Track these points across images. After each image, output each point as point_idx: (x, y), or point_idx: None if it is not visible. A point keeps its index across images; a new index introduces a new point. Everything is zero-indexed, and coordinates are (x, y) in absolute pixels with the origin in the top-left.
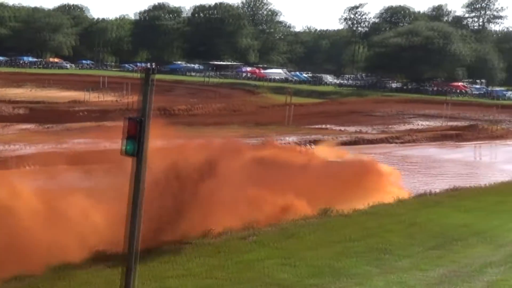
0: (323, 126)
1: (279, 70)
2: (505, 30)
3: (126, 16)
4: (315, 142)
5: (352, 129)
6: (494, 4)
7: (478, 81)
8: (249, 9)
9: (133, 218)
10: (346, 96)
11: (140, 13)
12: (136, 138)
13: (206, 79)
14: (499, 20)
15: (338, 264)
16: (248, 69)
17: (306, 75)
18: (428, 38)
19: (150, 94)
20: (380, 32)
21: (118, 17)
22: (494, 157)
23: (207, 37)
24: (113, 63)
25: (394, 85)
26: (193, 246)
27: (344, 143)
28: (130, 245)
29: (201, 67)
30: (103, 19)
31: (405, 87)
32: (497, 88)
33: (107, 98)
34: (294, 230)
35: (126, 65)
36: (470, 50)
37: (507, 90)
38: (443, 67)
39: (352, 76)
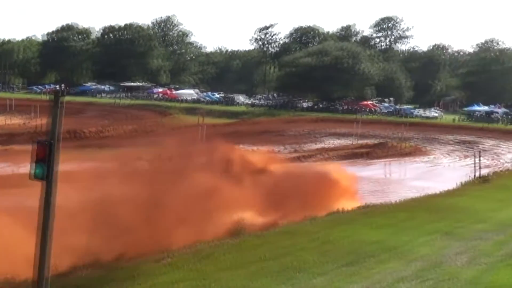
0: (236, 146)
1: (191, 91)
2: (411, 49)
3: (33, 37)
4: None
5: (264, 148)
6: (400, 25)
7: (386, 99)
8: (160, 30)
9: (43, 243)
10: (258, 116)
11: (48, 34)
12: (45, 161)
13: (117, 100)
14: (405, 40)
15: (253, 284)
16: (160, 90)
17: (218, 96)
18: (337, 58)
19: (60, 116)
20: (291, 52)
21: (25, 38)
22: (404, 174)
23: (117, 58)
24: (20, 85)
25: (305, 104)
26: (106, 270)
27: None
28: (40, 271)
29: (112, 88)
30: (9, 40)
31: (316, 106)
32: (405, 106)
33: (14, 121)
34: (209, 251)
35: (34, 87)
36: (378, 69)
37: (414, 108)
38: (352, 86)
39: (263, 96)
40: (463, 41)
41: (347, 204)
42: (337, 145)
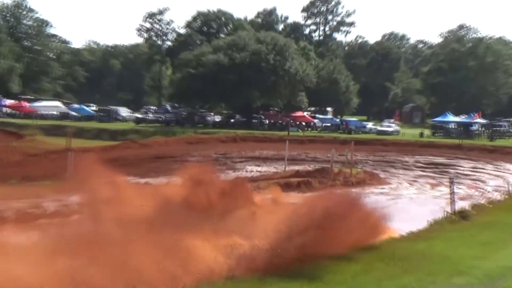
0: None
1: (54, 103)
2: (357, 41)
3: None
4: None
5: (159, 180)
6: (338, 9)
7: (327, 109)
8: (6, 20)
9: None
10: (149, 136)
11: None
12: None
13: None
14: (347, 28)
15: None
16: (9, 102)
17: (92, 109)
18: (257, 54)
19: None
20: (192, 46)
21: None
22: None
23: None
24: None
25: (214, 118)
26: None
27: None
28: None
29: None
30: None
31: (229, 121)
32: (351, 118)
33: None
34: None
35: None
36: (314, 68)
37: (367, 122)
38: (279, 92)
39: (155, 108)
40: (426, 29)
41: None
42: (261, 173)
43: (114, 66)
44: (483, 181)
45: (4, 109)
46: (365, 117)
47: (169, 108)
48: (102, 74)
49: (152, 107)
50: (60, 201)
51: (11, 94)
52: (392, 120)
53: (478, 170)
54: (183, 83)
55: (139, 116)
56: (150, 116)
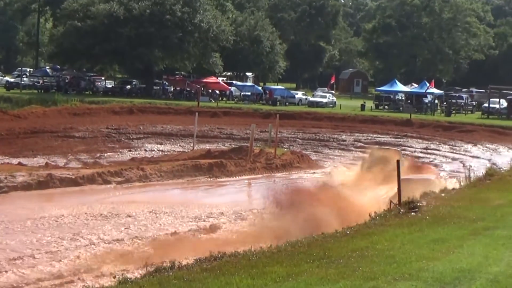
0: None
1: None
2: None
3: None
4: None
5: (36, 161)
6: None
7: (247, 74)
8: None
9: None
10: (23, 105)
11: None
12: None
13: None
14: None
15: None
16: None
17: None
18: (160, 4)
19: None
20: None
21: None
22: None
23: None
24: None
25: (105, 84)
26: None
27: (26, 187)
28: None
29: None
30: None
31: (124, 88)
32: (276, 86)
33: None
34: None
35: None
36: (231, 24)
37: (296, 91)
38: (187, 52)
39: (31, 70)
40: None
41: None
42: (163, 153)
43: None
44: (436, 165)
45: None
46: (294, 85)
47: (48, 70)
48: None
49: (27, 69)
50: None
51: None
52: (326, 89)
53: (431, 151)
54: (67, 39)
55: (11, 80)
56: (25, 80)
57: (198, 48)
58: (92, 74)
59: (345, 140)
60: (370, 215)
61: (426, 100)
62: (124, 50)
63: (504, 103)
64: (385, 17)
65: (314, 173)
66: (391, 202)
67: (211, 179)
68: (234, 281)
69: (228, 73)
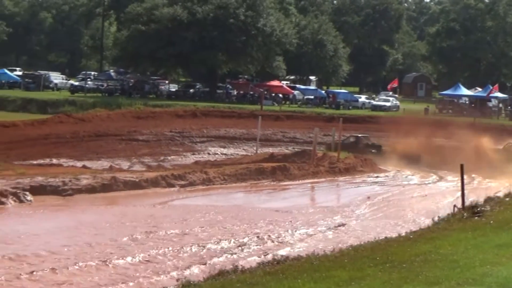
0: (51, 161)
1: None
2: None
3: None
4: (36, 190)
5: (100, 164)
6: None
7: (310, 78)
8: None
9: None
10: (87, 109)
11: None
12: None
13: None
14: None
15: None
16: None
17: (16, 74)
18: (223, 8)
19: None
20: None
21: None
22: (339, 203)
23: None
24: None
25: (169, 87)
26: None
27: (90, 190)
28: None
29: None
30: None
31: (187, 91)
32: (339, 90)
33: None
34: None
35: None
36: (294, 27)
37: (359, 95)
38: (250, 56)
39: (96, 74)
40: None
41: None
42: (226, 156)
43: (45, 20)
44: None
45: None
46: (357, 89)
47: (113, 74)
48: (29, 31)
49: (91, 73)
50: None
51: None
52: (390, 93)
53: None
54: (131, 43)
55: (75, 83)
56: (89, 83)
57: (262, 51)
58: (156, 77)
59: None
60: (433, 220)
61: (490, 104)
62: (188, 54)
63: None
64: (448, 21)
65: (377, 177)
66: (454, 206)
67: (274, 183)
68: (297, 285)
69: (292, 77)
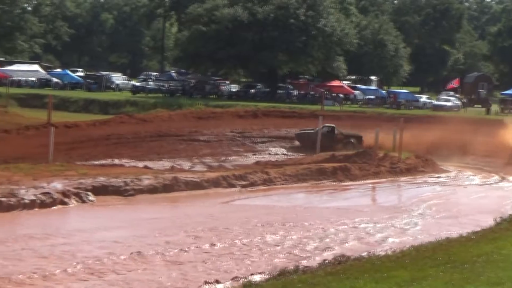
0: (113, 161)
1: (32, 67)
2: None
3: None
4: (98, 190)
5: (161, 164)
6: None
7: (371, 78)
8: None
9: None
10: (149, 109)
11: None
12: None
13: None
14: None
15: None
16: None
17: (78, 75)
18: (284, 8)
19: None
20: None
21: None
22: (400, 203)
23: None
24: None
25: (229, 87)
26: None
27: (152, 190)
28: None
29: None
30: None
31: (248, 92)
32: (400, 90)
33: None
34: None
35: None
36: (355, 27)
37: (420, 94)
38: (311, 56)
39: (157, 74)
40: None
41: None
42: (287, 156)
43: (106, 21)
44: None
45: None
46: (417, 89)
47: (174, 74)
48: (91, 32)
49: (152, 73)
50: (39, 189)
51: None
52: (451, 93)
53: None
54: (192, 43)
55: (137, 84)
56: (151, 84)
57: (322, 52)
58: (216, 78)
59: (471, 144)
60: (495, 220)
61: None
62: (248, 54)
63: None
64: (510, 20)
65: (438, 177)
66: None
67: (335, 183)
68: (359, 285)
69: (352, 77)
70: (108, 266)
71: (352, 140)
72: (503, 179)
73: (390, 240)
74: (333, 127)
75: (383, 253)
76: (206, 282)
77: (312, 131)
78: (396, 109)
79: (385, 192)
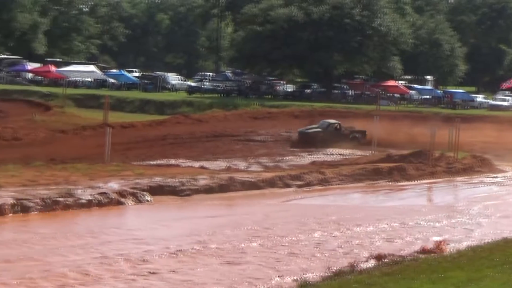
0: (169, 161)
1: (88, 67)
2: None
3: None
4: (154, 190)
5: (217, 164)
6: None
7: (426, 78)
8: None
9: None
10: (204, 109)
11: None
12: None
13: None
14: None
15: None
16: (33, 66)
17: (134, 75)
18: (339, 8)
19: None
20: None
21: None
22: (456, 203)
23: None
24: None
25: (285, 87)
26: None
27: (208, 190)
28: None
29: None
30: None
31: (303, 92)
32: (456, 90)
33: None
34: None
35: None
36: (410, 27)
37: (476, 94)
38: (366, 56)
39: (212, 74)
40: None
41: None
42: (343, 156)
43: (162, 22)
44: None
45: (27, 75)
46: (473, 88)
47: (229, 75)
48: (147, 32)
49: (208, 74)
50: (96, 189)
51: (36, 56)
52: (507, 92)
53: None
54: (247, 44)
55: (193, 84)
56: (206, 84)
57: (377, 51)
58: (272, 78)
59: None
60: None
61: None
62: (304, 54)
63: None
64: None
65: (495, 177)
66: None
67: (391, 183)
68: (415, 286)
69: (408, 77)
70: (165, 262)
71: (357, 135)
72: None
73: (448, 238)
74: (339, 123)
75: (439, 254)
76: (262, 281)
77: (319, 129)
78: (452, 109)
79: (442, 192)
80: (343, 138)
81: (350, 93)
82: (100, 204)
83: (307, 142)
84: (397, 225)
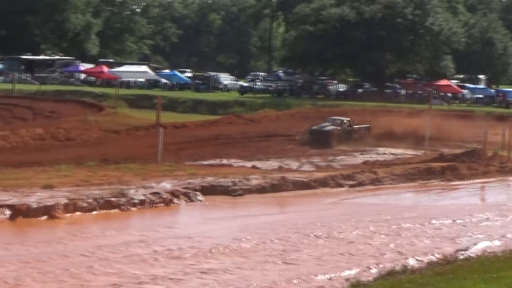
0: (221, 161)
1: (141, 68)
2: None
3: None
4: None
5: (269, 164)
6: None
7: (479, 77)
8: None
9: None
10: (256, 109)
11: None
12: None
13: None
14: None
15: None
16: (86, 66)
17: (187, 75)
18: (391, 7)
19: None
20: None
21: None
22: (498, 201)
23: (7, 13)
24: None
25: (337, 87)
26: None
27: (260, 190)
28: None
29: (1, 65)
30: None
31: (356, 91)
32: (509, 89)
33: None
34: None
35: None
36: (463, 26)
37: None
38: (418, 56)
39: (265, 74)
40: None
41: None
42: (395, 156)
43: (214, 22)
44: None
45: (80, 76)
46: None
47: (281, 74)
48: (199, 33)
49: (260, 74)
50: (148, 189)
51: (88, 57)
52: None
53: None
54: (299, 43)
55: (245, 84)
56: (258, 84)
57: (430, 51)
58: (324, 78)
59: None
60: None
61: None
62: (356, 54)
63: None
64: None
65: None
66: None
67: (444, 183)
68: (467, 286)
69: (460, 76)
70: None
71: (363, 131)
72: None
73: (501, 239)
74: (349, 120)
75: (492, 254)
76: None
77: (334, 126)
78: (505, 108)
79: (495, 192)
80: (354, 134)
81: (402, 92)
82: (152, 204)
83: (321, 140)
84: (450, 223)
